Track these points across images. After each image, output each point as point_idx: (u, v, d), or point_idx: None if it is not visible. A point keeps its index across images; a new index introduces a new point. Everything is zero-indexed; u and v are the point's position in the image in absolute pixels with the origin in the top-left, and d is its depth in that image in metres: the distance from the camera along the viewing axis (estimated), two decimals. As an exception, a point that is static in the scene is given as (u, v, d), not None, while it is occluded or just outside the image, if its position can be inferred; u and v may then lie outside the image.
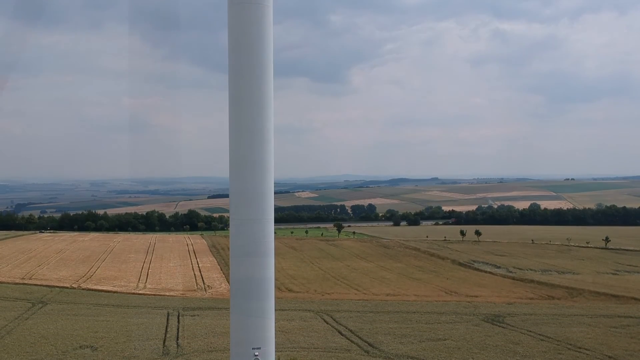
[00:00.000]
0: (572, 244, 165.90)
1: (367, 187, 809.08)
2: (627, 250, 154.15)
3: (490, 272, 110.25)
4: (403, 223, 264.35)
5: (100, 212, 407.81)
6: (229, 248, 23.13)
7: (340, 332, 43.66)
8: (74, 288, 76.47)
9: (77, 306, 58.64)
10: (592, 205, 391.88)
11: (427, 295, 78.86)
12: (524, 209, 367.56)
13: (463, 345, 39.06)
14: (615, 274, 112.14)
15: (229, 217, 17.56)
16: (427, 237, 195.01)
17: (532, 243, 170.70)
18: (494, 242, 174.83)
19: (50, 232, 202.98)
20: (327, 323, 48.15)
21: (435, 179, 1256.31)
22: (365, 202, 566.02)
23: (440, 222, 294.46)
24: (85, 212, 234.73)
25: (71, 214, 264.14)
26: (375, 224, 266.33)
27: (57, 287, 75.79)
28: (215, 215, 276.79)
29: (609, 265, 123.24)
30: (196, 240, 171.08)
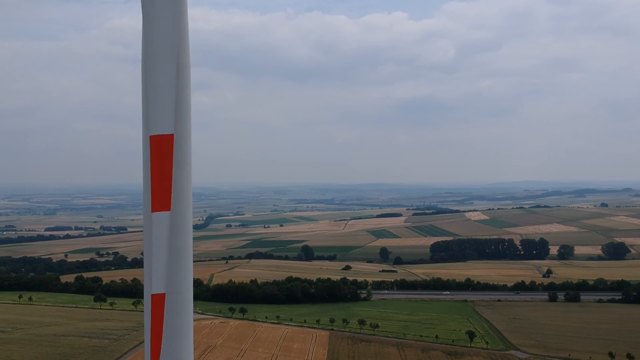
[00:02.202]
0: None
1: (544, 206, 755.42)
2: None
3: None
4: (561, 298, 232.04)
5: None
6: None
7: None
8: None
9: None
10: None
11: None
12: None
13: None
14: None
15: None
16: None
17: None
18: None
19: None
20: None
21: (629, 189, 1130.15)
22: (539, 231, 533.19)
23: (605, 299, 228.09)
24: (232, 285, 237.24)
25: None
26: (529, 296, 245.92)
27: None
28: (361, 278, 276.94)
29: None
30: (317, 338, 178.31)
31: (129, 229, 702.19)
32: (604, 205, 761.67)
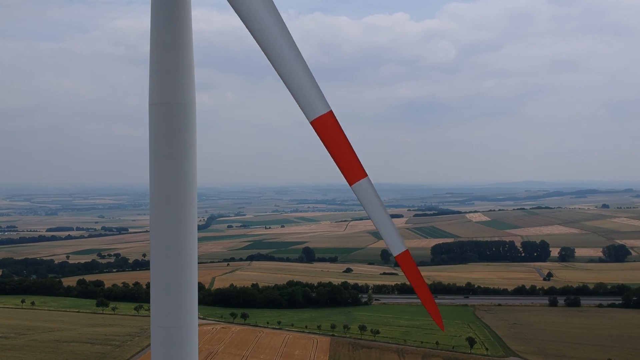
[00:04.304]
0: None
1: (545, 207, 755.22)
2: None
3: None
4: (561, 302, 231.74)
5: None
6: None
7: None
8: None
9: None
10: None
11: None
12: None
13: None
14: None
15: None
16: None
17: None
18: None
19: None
20: None
21: (630, 190, 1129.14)
22: (540, 232, 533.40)
23: (605, 304, 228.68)
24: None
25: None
26: (529, 300, 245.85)
27: None
28: (362, 282, 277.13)
29: None
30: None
31: (130, 230, 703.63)
32: (605, 206, 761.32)
